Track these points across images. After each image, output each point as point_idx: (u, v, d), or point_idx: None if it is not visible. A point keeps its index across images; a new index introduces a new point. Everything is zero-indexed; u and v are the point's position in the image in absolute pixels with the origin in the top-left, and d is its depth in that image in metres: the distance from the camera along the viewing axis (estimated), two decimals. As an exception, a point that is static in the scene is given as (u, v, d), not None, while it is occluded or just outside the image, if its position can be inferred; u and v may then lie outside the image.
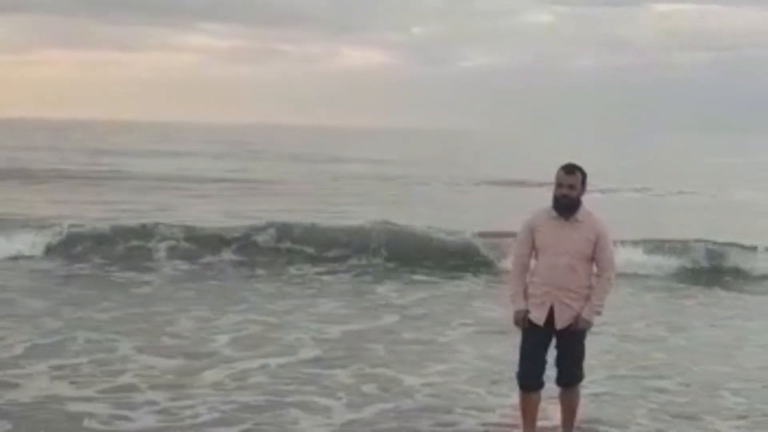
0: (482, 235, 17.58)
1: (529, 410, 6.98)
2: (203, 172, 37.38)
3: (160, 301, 12.76)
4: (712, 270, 16.52)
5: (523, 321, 6.82)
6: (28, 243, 16.30)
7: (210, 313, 11.93)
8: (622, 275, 13.32)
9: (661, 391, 8.86)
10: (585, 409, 7.17)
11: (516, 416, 7.29)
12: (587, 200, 6.89)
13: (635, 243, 16.65)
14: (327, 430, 7.51)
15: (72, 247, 16.44)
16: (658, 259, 16.50)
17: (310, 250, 16.81)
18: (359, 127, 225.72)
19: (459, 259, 16.74)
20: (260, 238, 17.14)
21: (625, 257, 14.86)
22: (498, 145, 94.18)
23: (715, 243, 17.50)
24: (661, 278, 15.97)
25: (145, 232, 17.08)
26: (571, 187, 6.70)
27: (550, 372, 6.96)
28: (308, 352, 10.00)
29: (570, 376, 6.95)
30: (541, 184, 32.60)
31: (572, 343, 6.83)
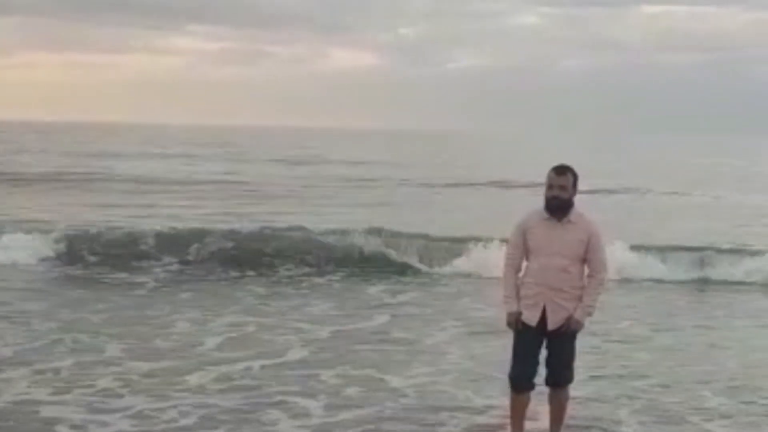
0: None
1: (518, 411, 6.99)
2: (191, 174, 37.35)
3: (153, 304, 12.86)
4: (698, 272, 16.55)
5: (516, 323, 6.82)
6: (23, 247, 16.34)
7: (202, 315, 12.01)
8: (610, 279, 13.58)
9: (645, 391, 8.92)
10: (569, 409, 7.23)
11: (503, 417, 7.34)
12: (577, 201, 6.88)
13: (624, 246, 16.71)
14: (302, 433, 7.48)
15: (66, 250, 16.50)
16: (643, 261, 16.57)
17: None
18: (347, 129, 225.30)
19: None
20: (248, 240, 17.27)
21: (614, 260, 14.92)
22: (484, 147, 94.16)
23: (702, 245, 17.60)
24: (645, 280, 16.04)
25: (138, 234, 17.18)
26: (562, 188, 6.70)
27: (539, 372, 6.97)
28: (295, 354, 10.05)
29: (560, 377, 6.95)
30: (522, 186, 32.91)
31: (563, 344, 6.85)
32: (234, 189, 31.19)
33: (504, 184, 35.14)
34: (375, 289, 14.64)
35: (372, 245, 17.07)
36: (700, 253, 17.11)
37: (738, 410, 8.41)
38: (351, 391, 8.67)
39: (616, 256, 15.11)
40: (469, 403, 8.37)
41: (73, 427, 7.48)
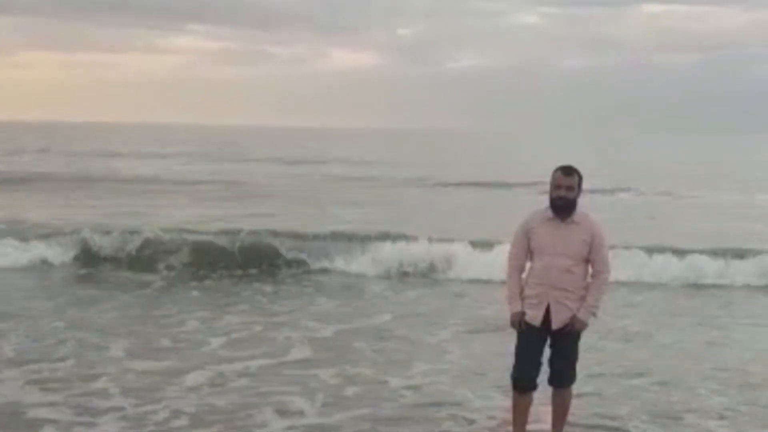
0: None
1: (521, 411, 6.99)
2: (194, 174, 37.51)
3: (162, 303, 12.99)
4: (697, 273, 16.57)
5: (520, 323, 6.83)
6: (32, 247, 16.43)
7: (210, 314, 12.13)
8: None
9: (645, 389, 8.99)
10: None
11: (505, 417, 7.40)
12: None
13: (627, 248, 16.76)
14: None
15: (74, 250, 16.57)
16: (642, 263, 16.61)
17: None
18: (347, 129, 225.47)
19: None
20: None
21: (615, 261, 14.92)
22: (481, 147, 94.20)
23: (702, 247, 17.62)
24: (644, 281, 16.08)
25: (145, 234, 17.23)
26: (569, 188, 6.73)
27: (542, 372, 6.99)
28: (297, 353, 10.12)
29: (563, 377, 6.97)
30: (516, 185, 32.97)
31: (567, 344, 6.87)
32: (234, 189, 31.28)
33: (492, 185, 35.10)
34: (378, 288, 14.79)
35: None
36: (700, 252, 17.11)
37: (737, 409, 8.46)
38: (350, 390, 8.68)
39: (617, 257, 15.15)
40: (470, 403, 8.39)
41: (58, 429, 7.44)
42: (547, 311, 6.78)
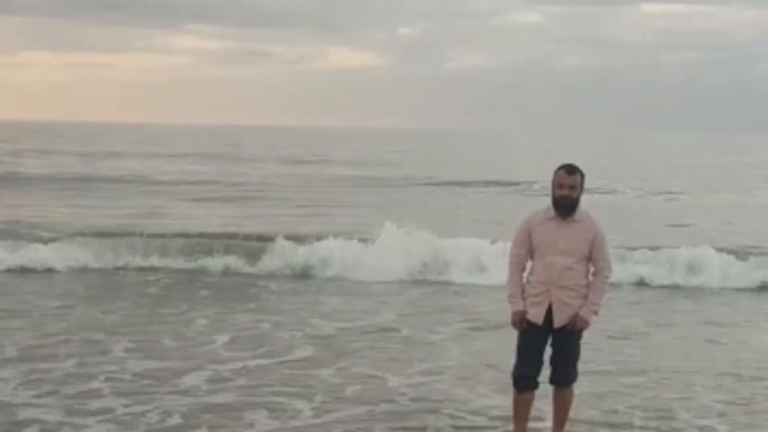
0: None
1: (521, 410, 6.99)
2: (193, 175, 37.54)
3: (170, 303, 13.03)
4: (696, 273, 16.60)
5: (521, 322, 6.83)
6: (40, 249, 16.47)
7: (218, 312, 12.24)
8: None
9: (641, 387, 9.03)
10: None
11: (505, 416, 7.44)
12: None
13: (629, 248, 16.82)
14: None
15: (82, 251, 16.55)
16: (641, 263, 16.65)
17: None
18: (348, 128, 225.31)
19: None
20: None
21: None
22: (480, 146, 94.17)
23: (701, 246, 17.65)
24: (642, 281, 16.09)
25: (151, 234, 17.46)
26: (572, 187, 6.72)
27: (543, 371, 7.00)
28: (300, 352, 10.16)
29: (564, 375, 6.97)
30: (516, 185, 33.00)
31: (568, 343, 6.87)
32: (235, 189, 31.34)
33: (486, 184, 35.20)
34: (381, 287, 14.89)
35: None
36: (700, 251, 17.13)
37: (734, 407, 8.51)
38: (348, 389, 8.68)
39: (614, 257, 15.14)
40: (470, 402, 8.39)
41: (45, 430, 7.38)
42: (549, 310, 6.79)
